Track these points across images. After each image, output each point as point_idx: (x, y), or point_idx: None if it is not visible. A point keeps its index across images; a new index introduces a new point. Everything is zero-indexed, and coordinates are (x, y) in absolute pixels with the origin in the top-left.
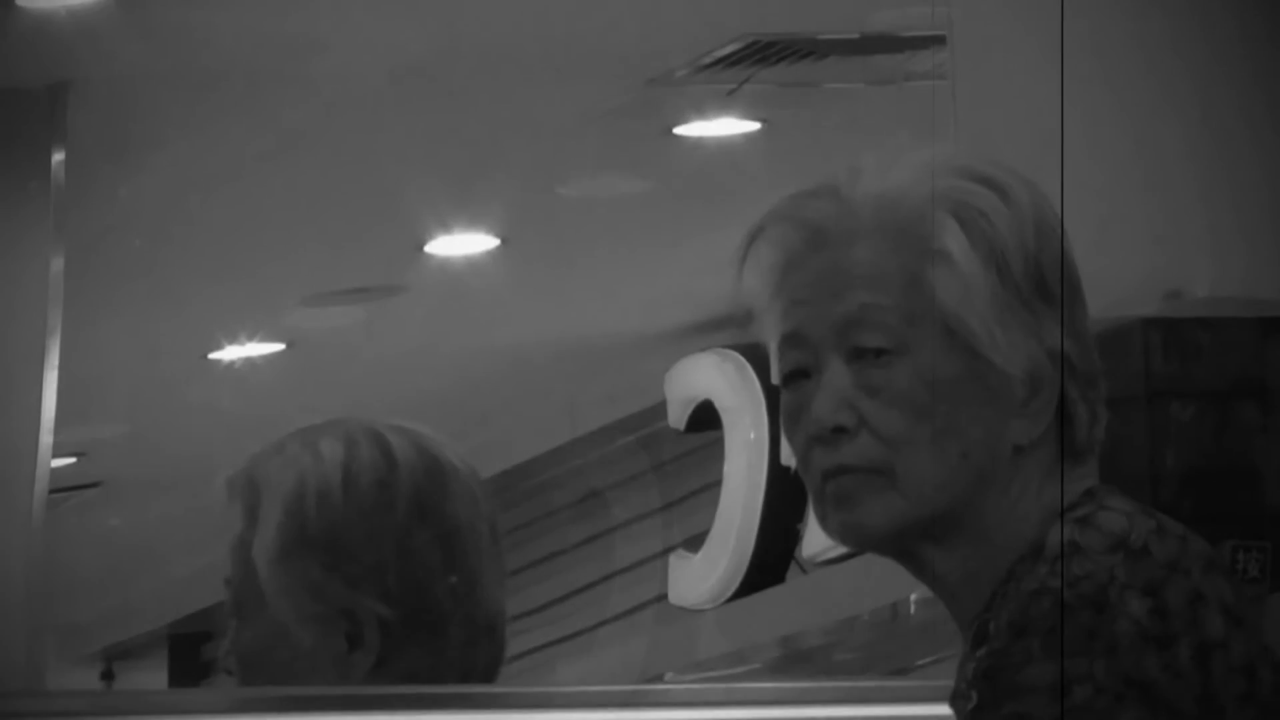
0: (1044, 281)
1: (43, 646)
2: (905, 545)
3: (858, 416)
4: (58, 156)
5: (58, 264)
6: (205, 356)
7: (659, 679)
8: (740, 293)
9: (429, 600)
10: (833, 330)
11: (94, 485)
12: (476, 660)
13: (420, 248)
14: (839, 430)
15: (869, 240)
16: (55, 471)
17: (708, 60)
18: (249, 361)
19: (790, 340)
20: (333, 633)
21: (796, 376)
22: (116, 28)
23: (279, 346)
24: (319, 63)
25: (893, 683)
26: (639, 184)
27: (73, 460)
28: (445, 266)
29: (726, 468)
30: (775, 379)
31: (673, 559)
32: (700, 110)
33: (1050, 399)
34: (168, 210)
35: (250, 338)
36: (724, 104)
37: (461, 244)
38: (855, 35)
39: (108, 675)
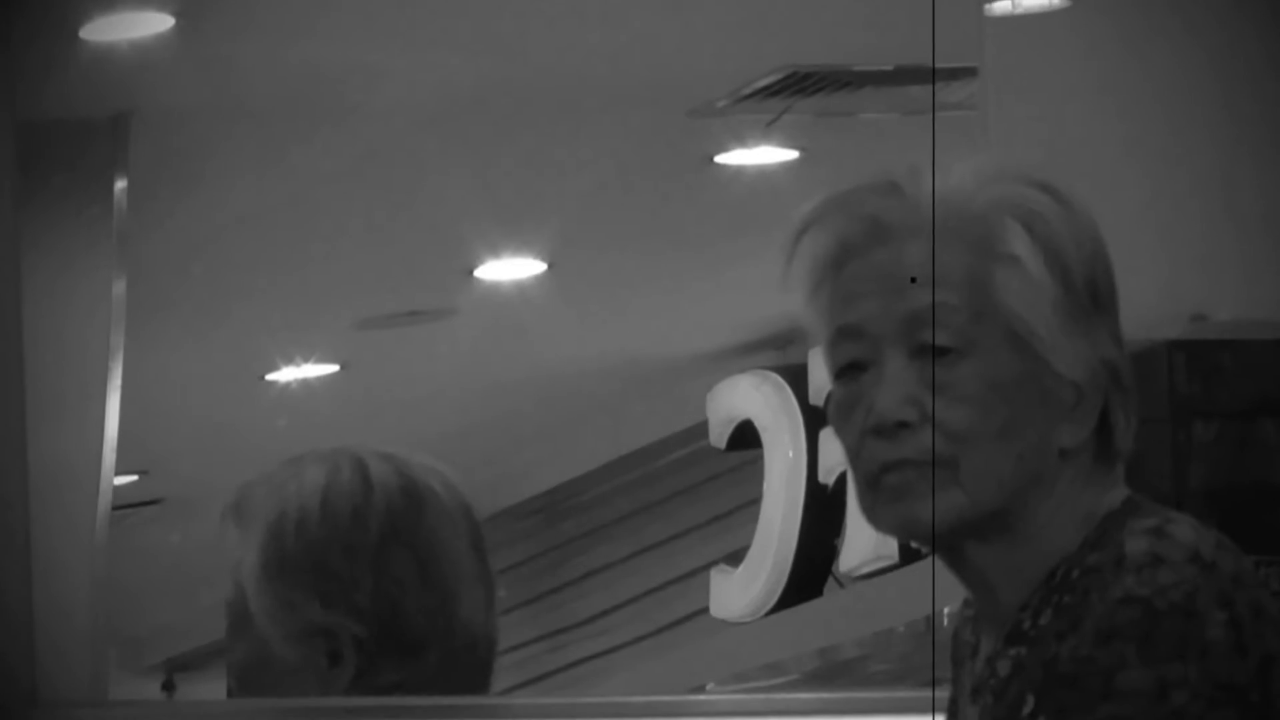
0: (1097, 289)
1: (105, 658)
2: (954, 540)
3: (921, 412)
4: (120, 184)
5: (120, 287)
6: (261, 378)
7: (701, 690)
8: (788, 282)
9: (402, 620)
10: (897, 326)
11: (155, 502)
12: (457, 679)
13: (470, 272)
14: (902, 425)
15: (932, 238)
16: (118, 489)
17: (748, 91)
18: (304, 383)
19: (847, 332)
20: (314, 650)
21: (852, 369)
22: (177, 60)
23: (333, 368)
24: (373, 93)
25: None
26: (681, 211)
27: (135, 478)
28: (494, 291)
29: (766, 485)
30: (828, 369)
31: (714, 573)
32: (740, 139)
33: (1096, 404)
34: (226, 236)
35: (306, 360)
36: (763, 133)
37: (510, 269)
38: (890, 67)
39: (169, 686)
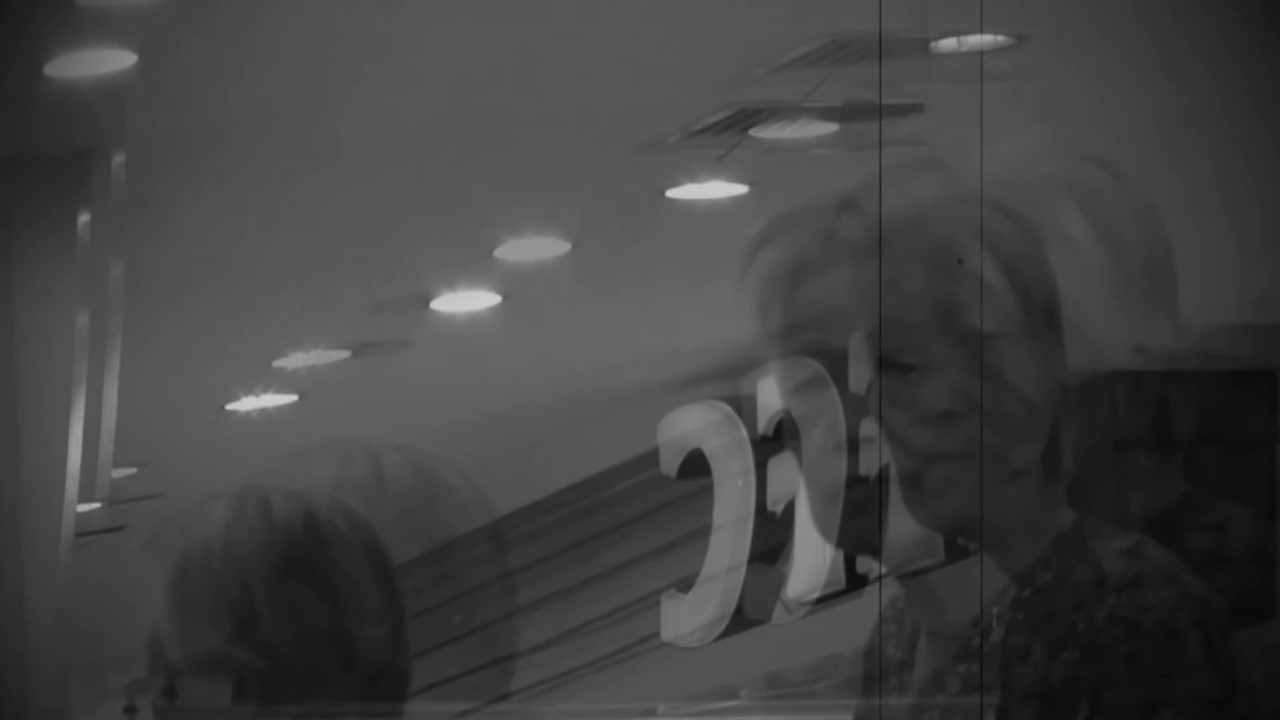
0: (1155, 269)
1: (100, 664)
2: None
3: (968, 401)
4: (117, 159)
5: (117, 271)
6: (268, 365)
7: (652, 713)
8: (824, 261)
9: (305, 651)
10: (942, 312)
11: (153, 498)
12: (474, 682)
13: (490, 254)
14: (948, 415)
15: (980, 216)
16: (114, 483)
17: (698, 126)
18: (312, 370)
19: (887, 323)
20: (219, 683)
21: (894, 363)
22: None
23: (343, 354)
24: (388, 66)
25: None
26: (709, 191)
27: (133, 471)
28: (514, 274)
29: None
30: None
31: (664, 599)
32: (691, 174)
33: (1150, 394)
34: (231, 217)
35: (314, 346)
36: (713, 168)
37: (530, 249)
38: (838, 103)
39: (169, 692)
